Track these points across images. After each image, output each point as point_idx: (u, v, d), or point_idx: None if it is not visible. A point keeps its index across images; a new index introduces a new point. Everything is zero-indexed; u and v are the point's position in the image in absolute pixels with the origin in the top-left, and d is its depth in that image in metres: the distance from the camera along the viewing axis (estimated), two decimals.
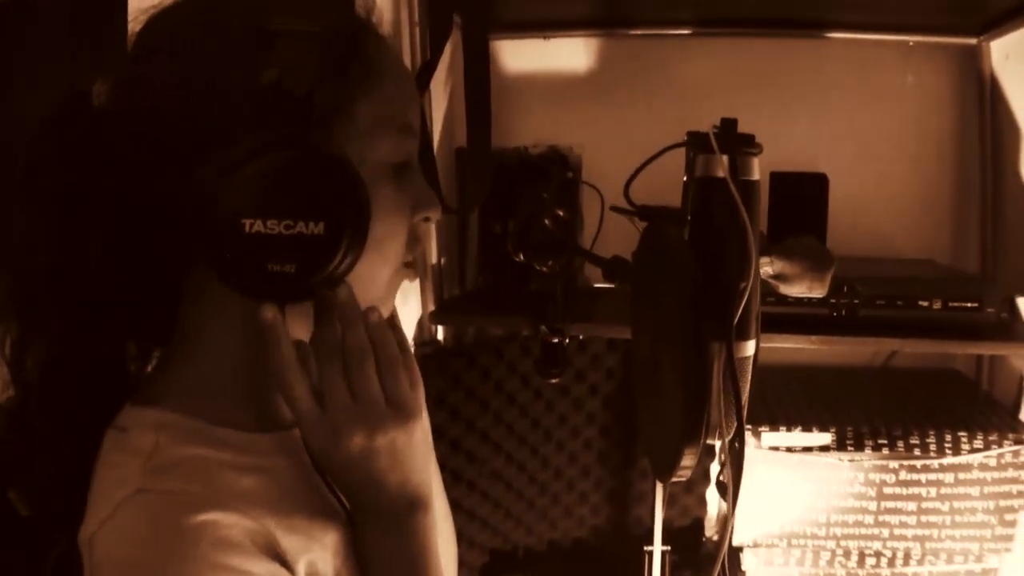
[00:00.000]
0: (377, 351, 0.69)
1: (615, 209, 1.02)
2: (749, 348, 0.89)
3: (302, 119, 0.64)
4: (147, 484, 0.64)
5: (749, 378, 0.91)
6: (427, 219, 0.78)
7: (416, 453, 0.71)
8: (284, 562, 0.66)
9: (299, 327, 0.70)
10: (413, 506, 0.72)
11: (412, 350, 0.77)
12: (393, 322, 0.78)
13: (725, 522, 1.48)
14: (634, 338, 1.04)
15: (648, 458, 1.23)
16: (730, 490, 0.88)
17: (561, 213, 1.14)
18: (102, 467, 0.68)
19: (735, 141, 0.87)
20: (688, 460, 0.86)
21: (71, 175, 0.68)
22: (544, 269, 1.13)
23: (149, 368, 0.78)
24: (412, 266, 0.81)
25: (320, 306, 0.69)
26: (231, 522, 0.63)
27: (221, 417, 0.70)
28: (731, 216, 0.84)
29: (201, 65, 0.67)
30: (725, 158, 0.86)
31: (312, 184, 0.63)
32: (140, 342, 0.78)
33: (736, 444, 0.87)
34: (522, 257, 1.13)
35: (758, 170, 0.87)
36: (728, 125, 0.89)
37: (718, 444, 0.89)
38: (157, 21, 0.71)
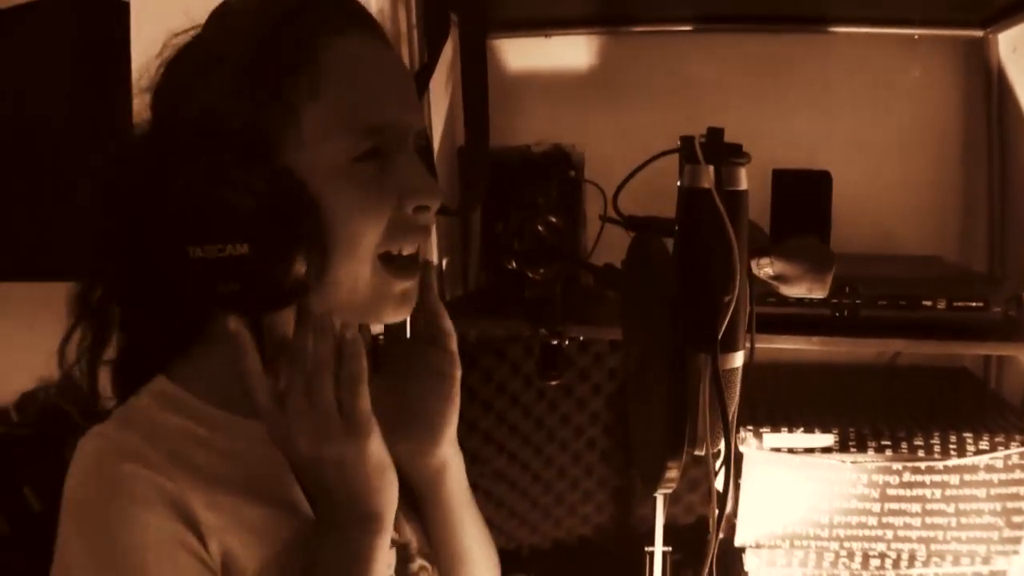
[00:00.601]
0: (343, 365, 0.73)
1: (605, 218, 1.02)
2: (737, 360, 0.89)
3: (239, 146, 0.71)
4: (107, 431, 0.74)
5: (737, 389, 0.90)
6: (421, 207, 0.79)
7: (368, 472, 0.74)
8: (197, 532, 0.71)
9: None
10: (362, 524, 0.75)
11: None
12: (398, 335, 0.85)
13: (729, 522, 1.48)
14: (624, 347, 1.04)
15: (637, 468, 1.23)
16: (713, 501, 0.87)
17: (554, 220, 1.13)
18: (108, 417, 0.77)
19: (721, 151, 0.86)
20: (672, 472, 0.86)
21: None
22: (536, 277, 1.13)
23: None
24: (408, 269, 0.81)
25: (298, 314, 0.74)
26: (147, 477, 0.70)
27: (217, 400, 0.78)
28: (716, 228, 0.83)
29: (163, 103, 0.77)
30: (711, 168, 0.85)
31: (234, 207, 0.68)
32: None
33: (724, 456, 0.87)
34: (514, 264, 1.13)
35: (745, 180, 0.86)
36: (714, 134, 0.88)
37: (706, 454, 0.88)
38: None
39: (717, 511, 0.87)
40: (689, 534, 1.67)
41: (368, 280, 0.78)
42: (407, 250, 0.81)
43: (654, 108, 1.70)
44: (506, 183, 1.59)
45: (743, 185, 0.86)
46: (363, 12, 0.81)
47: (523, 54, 1.75)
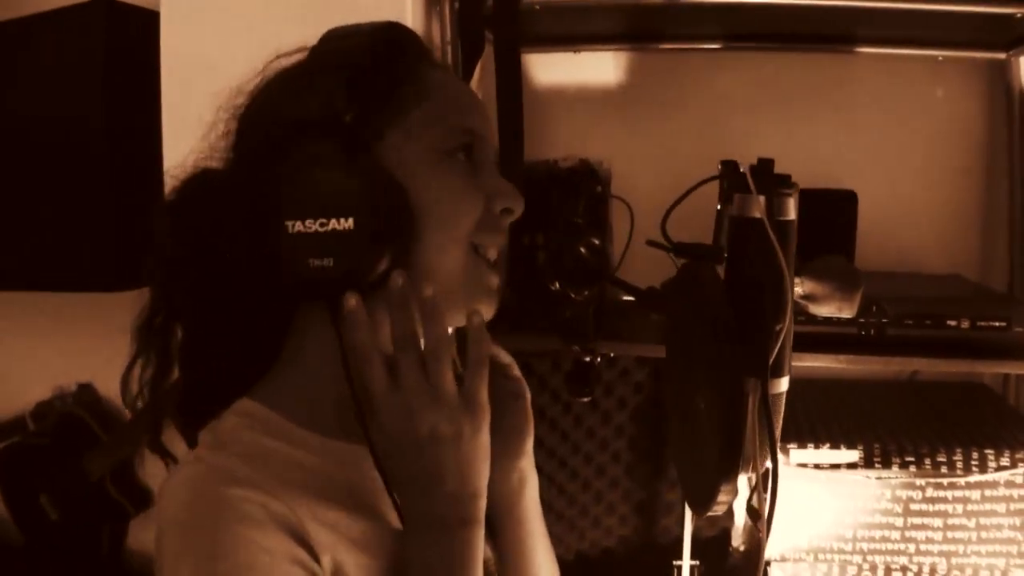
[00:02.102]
0: (471, 347, 0.75)
1: (652, 243, 1.03)
2: (783, 384, 0.91)
3: (346, 138, 0.75)
4: (203, 455, 0.76)
5: (782, 413, 0.93)
6: (507, 211, 0.84)
7: (479, 456, 0.74)
8: (309, 549, 0.72)
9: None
10: (464, 519, 0.74)
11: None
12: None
13: (753, 535, 1.49)
14: (667, 369, 1.06)
15: (683, 491, 1.24)
16: (763, 520, 0.89)
17: (596, 241, 1.15)
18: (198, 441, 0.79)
19: (771, 181, 0.88)
20: (724, 496, 0.88)
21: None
22: (579, 298, 1.15)
23: None
24: (495, 269, 0.84)
25: (397, 299, 0.74)
26: (258, 500, 0.70)
27: (304, 419, 0.79)
28: (768, 258, 0.85)
29: (266, 110, 0.82)
30: (762, 199, 0.87)
31: (342, 186, 0.72)
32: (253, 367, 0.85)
33: (772, 478, 0.89)
34: (557, 285, 1.15)
35: (794, 210, 0.89)
36: (764, 165, 0.90)
37: (751, 475, 0.90)
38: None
39: (764, 529, 0.89)
40: (712, 547, 1.69)
41: (463, 266, 0.81)
42: (492, 253, 0.84)
43: (681, 125, 1.72)
44: (533, 197, 1.60)
45: (792, 215, 0.88)
46: (444, 61, 0.91)
47: (552, 69, 1.76)
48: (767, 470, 1.46)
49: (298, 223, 0.72)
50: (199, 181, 0.83)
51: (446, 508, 0.73)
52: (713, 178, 0.97)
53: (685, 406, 0.97)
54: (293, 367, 0.82)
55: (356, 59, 0.79)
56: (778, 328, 0.86)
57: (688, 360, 0.96)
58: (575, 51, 1.74)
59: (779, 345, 0.87)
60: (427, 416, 0.71)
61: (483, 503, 0.76)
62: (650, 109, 1.74)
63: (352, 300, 0.73)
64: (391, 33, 0.83)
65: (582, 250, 1.14)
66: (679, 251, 0.96)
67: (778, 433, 0.91)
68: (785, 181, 0.89)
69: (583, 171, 1.65)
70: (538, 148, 1.68)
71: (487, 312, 0.81)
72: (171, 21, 1.47)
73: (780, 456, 1.44)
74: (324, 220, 0.71)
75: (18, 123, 1.85)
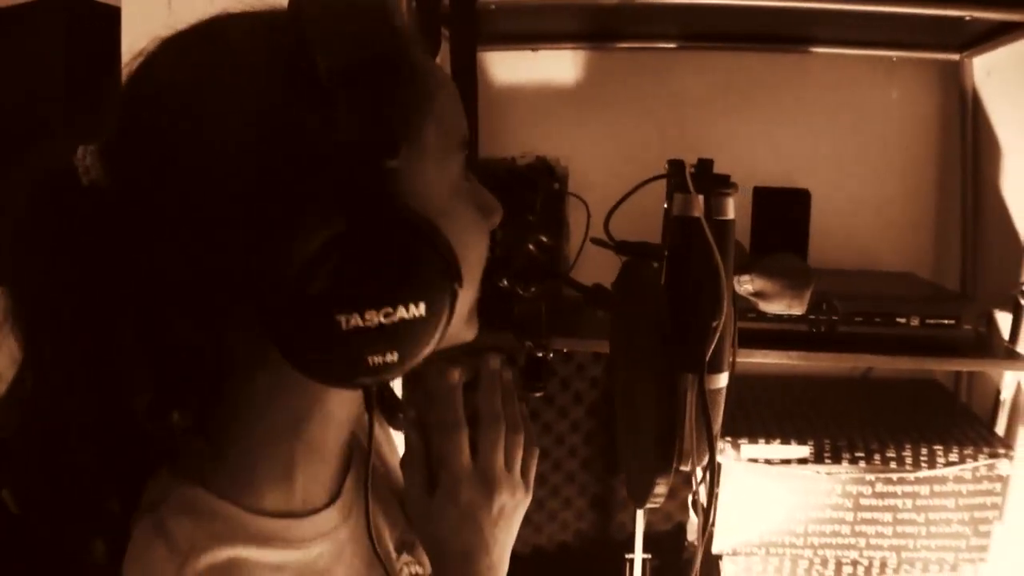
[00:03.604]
0: (522, 431, 0.78)
1: (596, 241, 1.04)
2: (722, 380, 0.92)
3: (360, 177, 0.55)
4: None
5: (721, 408, 0.94)
6: (495, 223, 0.74)
7: (517, 526, 0.78)
8: None
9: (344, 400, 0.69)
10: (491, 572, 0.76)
11: None
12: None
13: (704, 539, 1.51)
14: (612, 366, 1.07)
15: (626, 484, 1.25)
16: (700, 518, 0.90)
17: (545, 239, 1.15)
18: (139, 545, 0.63)
19: (711, 182, 0.89)
20: (661, 488, 0.89)
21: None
22: (527, 295, 1.15)
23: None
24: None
25: (488, 379, 0.76)
26: None
27: (253, 500, 0.66)
28: (705, 256, 0.86)
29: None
30: (701, 198, 0.88)
31: (399, 260, 0.55)
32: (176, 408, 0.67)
33: (709, 471, 0.90)
34: (505, 283, 1.15)
35: (733, 210, 0.90)
36: (704, 166, 0.91)
37: (692, 470, 0.91)
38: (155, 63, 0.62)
39: (703, 524, 0.90)
40: (667, 541, 1.70)
41: (473, 298, 0.73)
42: None
43: (638, 123, 1.73)
44: (492, 194, 1.61)
45: (731, 215, 0.89)
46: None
47: (510, 67, 1.77)
48: (718, 465, 1.48)
49: (355, 317, 0.54)
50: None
51: (470, 567, 0.74)
52: (659, 177, 0.97)
53: (627, 401, 0.98)
54: (242, 433, 0.66)
55: (362, 42, 0.56)
56: (714, 325, 0.87)
57: (629, 356, 0.97)
58: (533, 49, 1.75)
59: (715, 341, 0.87)
60: (502, 491, 0.74)
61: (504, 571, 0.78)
62: (608, 107, 1.75)
63: (495, 363, 0.75)
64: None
65: (531, 247, 1.14)
66: (621, 249, 0.97)
67: (717, 428, 0.92)
68: (724, 181, 0.90)
69: (541, 168, 1.65)
70: (497, 145, 1.68)
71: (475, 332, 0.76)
72: (132, 17, 1.46)
73: (731, 451, 1.47)
74: (390, 310, 0.54)
75: None
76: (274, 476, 0.67)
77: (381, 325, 0.54)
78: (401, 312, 0.54)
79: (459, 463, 0.73)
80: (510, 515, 0.76)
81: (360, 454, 0.79)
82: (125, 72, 0.63)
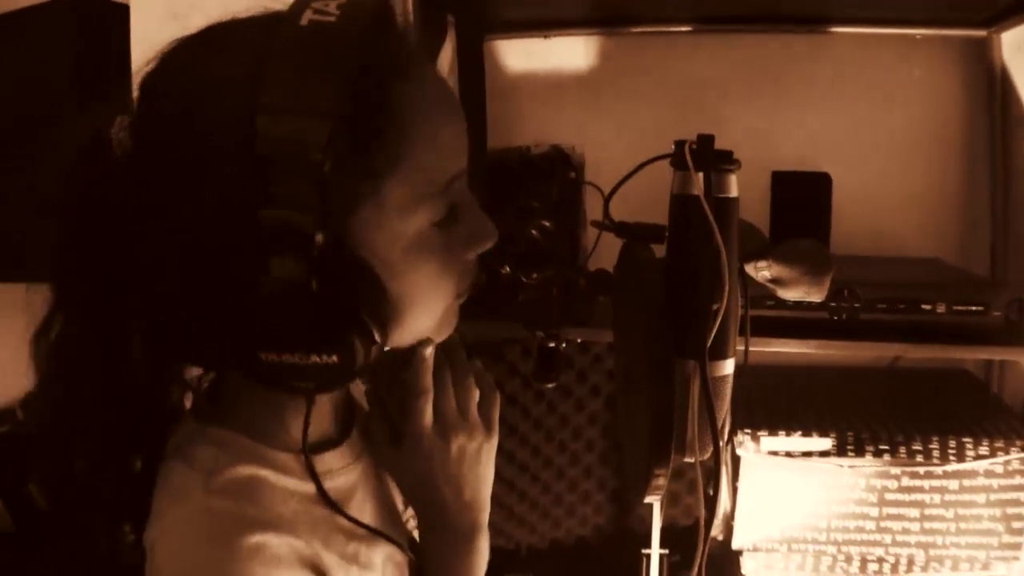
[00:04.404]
0: (484, 384, 0.85)
1: (596, 224, 1.01)
2: (727, 367, 0.88)
3: (310, 250, 0.62)
4: (208, 502, 0.68)
5: (728, 396, 0.90)
6: (484, 249, 0.79)
7: (490, 471, 0.85)
8: None
9: None
10: (474, 527, 0.84)
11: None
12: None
13: (728, 524, 1.47)
14: (615, 354, 1.04)
15: (627, 474, 1.22)
16: (704, 512, 0.87)
17: (547, 224, 1.12)
18: (168, 474, 0.72)
19: (711, 158, 0.85)
20: (660, 480, 0.86)
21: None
22: (529, 281, 1.12)
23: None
24: (466, 292, 0.82)
25: (426, 362, 0.79)
26: (280, 542, 0.68)
27: (275, 439, 0.75)
28: (705, 236, 0.82)
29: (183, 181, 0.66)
30: (700, 176, 0.84)
31: (323, 315, 0.63)
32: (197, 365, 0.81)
33: (713, 463, 0.87)
34: (507, 269, 1.12)
35: (735, 187, 0.86)
36: (704, 141, 0.87)
37: (695, 462, 0.88)
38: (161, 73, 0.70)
39: (708, 518, 0.86)
40: (688, 536, 1.66)
41: (439, 317, 0.78)
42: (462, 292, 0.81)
43: (654, 109, 1.69)
44: (506, 184, 1.58)
45: (733, 192, 0.85)
46: (411, 39, 0.72)
47: (523, 55, 1.73)
48: (737, 459, 1.45)
49: (272, 355, 0.63)
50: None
51: (461, 517, 0.83)
52: (662, 157, 0.94)
53: (626, 389, 0.95)
54: (245, 392, 0.76)
55: (330, 104, 0.60)
56: (715, 308, 0.83)
57: (626, 342, 0.94)
58: (545, 36, 1.71)
59: (717, 326, 0.84)
60: (458, 436, 0.81)
61: (487, 514, 0.85)
62: (623, 94, 1.71)
63: (428, 350, 0.77)
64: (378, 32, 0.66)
65: (533, 232, 1.11)
66: (620, 231, 0.94)
67: (723, 418, 0.89)
68: (726, 157, 0.86)
69: (555, 157, 1.63)
70: (510, 135, 1.66)
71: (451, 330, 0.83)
72: (141, 14, 1.46)
73: (751, 444, 1.42)
74: (304, 355, 0.64)
75: None
76: (283, 420, 0.76)
77: (296, 364, 0.64)
78: (315, 358, 0.64)
79: (421, 421, 0.79)
80: (474, 455, 0.82)
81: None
82: (144, 68, 0.70)
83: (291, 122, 0.60)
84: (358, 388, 0.94)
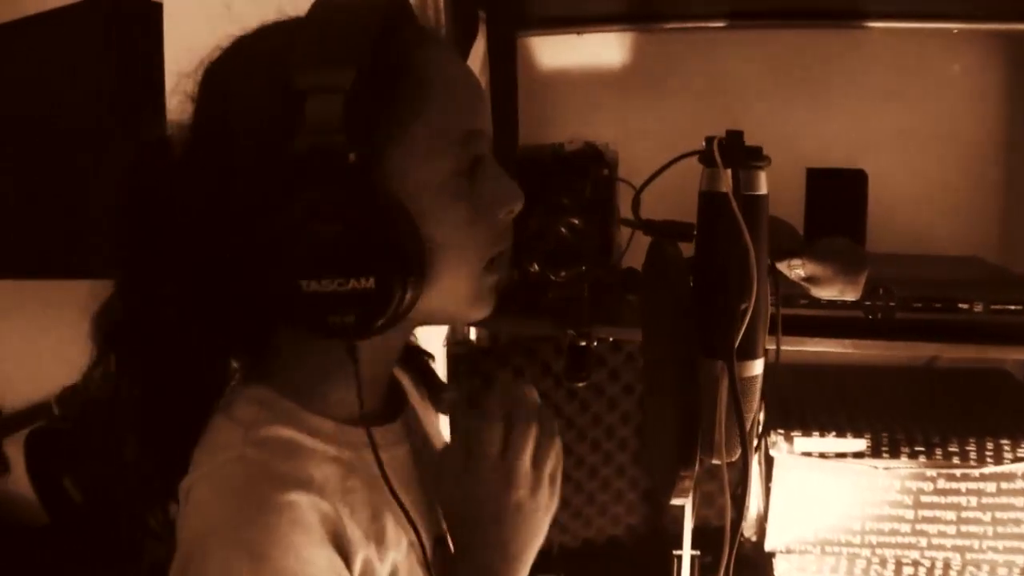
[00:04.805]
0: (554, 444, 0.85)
1: (624, 222, 1.00)
2: (756, 368, 0.87)
3: (345, 172, 0.67)
4: (248, 452, 0.72)
5: (757, 397, 0.89)
6: (511, 212, 0.81)
7: (542, 531, 0.84)
8: (346, 553, 0.72)
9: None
10: (513, 567, 0.82)
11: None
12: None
13: (761, 526, 1.45)
14: (643, 353, 1.03)
15: (654, 475, 1.21)
16: (732, 513, 0.86)
17: (576, 221, 1.12)
18: (209, 431, 0.76)
19: (740, 154, 0.84)
20: (686, 482, 0.85)
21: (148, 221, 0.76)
22: (558, 279, 1.12)
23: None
24: (500, 266, 0.83)
25: (515, 389, 0.85)
26: (310, 505, 0.70)
27: (316, 405, 0.78)
28: (733, 234, 0.81)
29: (232, 134, 0.73)
30: (728, 172, 0.83)
31: (358, 240, 0.67)
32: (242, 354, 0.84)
33: (742, 465, 0.86)
34: (536, 267, 1.12)
35: (765, 184, 0.85)
36: (733, 137, 0.86)
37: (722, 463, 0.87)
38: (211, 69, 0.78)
39: (737, 520, 0.86)
40: (721, 537, 1.65)
41: (475, 284, 0.80)
42: (500, 258, 0.83)
43: (687, 106, 1.68)
44: (538, 181, 1.58)
45: (763, 189, 0.84)
46: (435, 29, 0.83)
47: (555, 52, 1.73)
48: (770, 459, 1.43)
49: (314, 283, 0.67)
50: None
51: (501, 564, 0.81)
52: (691, 154, 0.93)
53: (653, 389, 0.94)
54: (298, 355, 0.80)
55: (356, 53, 0.68)
56: (743, 308, 0.82)
57: (653, 341, 0.94)
58: (578, 33, 1.71)
59: (746, 326, 0.83)
60: (521, 490, 0.80)
61: (528, 570, 0.84)
62: (656, 91, 1.70)
63: (507, 376, 0.81)
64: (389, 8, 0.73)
65: (562, 230, 1.11)
66: (648, 229, 0.93)
67: (751, 418, 0.88)
68: (756, 153, 0.85)
69: (589, 154, 1.62)
70: (543, 132, 1.66)
71: (487, 312, 0.83)
72: (173, 11, 1.47)
73: (784, 444, 1.41)
74: (343, 280, 0.67)
75: (27, 125, 1.88)
76: (326, 385, 0.79)
77: (334, 294, 0.67)
78: (353, 283, 0.66)
79: (487, 454, 0.79)
80: (529, 514, 0.81)
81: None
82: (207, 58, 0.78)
83: (321, 69, 0.67)
84: (406, 378, 0.98)
